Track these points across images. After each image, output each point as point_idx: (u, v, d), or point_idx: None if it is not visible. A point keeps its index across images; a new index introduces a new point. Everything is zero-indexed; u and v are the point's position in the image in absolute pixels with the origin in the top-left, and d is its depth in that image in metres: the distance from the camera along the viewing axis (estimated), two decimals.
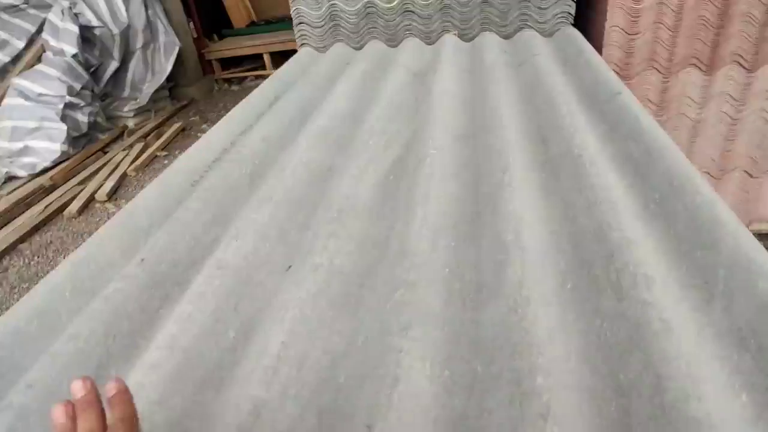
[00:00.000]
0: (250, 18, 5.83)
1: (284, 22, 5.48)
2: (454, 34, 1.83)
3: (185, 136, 4.13)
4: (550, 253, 0.76)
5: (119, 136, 4.01)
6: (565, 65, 1.45)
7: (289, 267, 0.81)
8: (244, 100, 1.51)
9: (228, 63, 5.27)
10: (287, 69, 1.72)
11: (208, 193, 1.00)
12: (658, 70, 1.76)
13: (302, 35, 1.93)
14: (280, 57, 5.16)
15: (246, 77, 5.16)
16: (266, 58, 4.94)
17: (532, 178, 0.93)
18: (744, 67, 1.73)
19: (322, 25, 1.90)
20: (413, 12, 1.83)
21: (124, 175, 3.45)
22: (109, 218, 3.00)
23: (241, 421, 0.56)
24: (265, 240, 0.86)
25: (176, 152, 3.83)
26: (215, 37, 5.36)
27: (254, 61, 5.23)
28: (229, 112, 1.46)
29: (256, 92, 1.56)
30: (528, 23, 1.77)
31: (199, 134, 4.07)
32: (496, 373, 0.58)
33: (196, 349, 0.66)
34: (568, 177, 0.91)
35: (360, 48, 1.90)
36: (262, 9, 5.89)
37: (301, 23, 1.90)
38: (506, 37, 1.81)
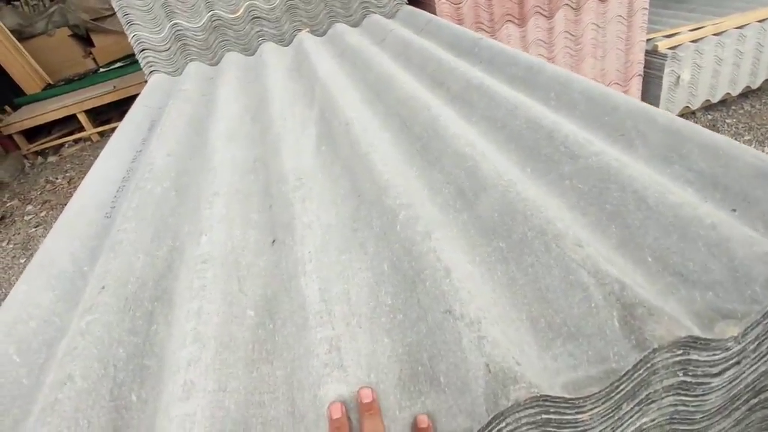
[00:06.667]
0: (44, 81, 5.13)
1: (91, 77, 4.96)
2: (307, 31, 1.89)
3: (6, 225, 3.47)
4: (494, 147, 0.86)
5: None
6: (421, 32, 1.61)
7: (274, 241, 0.78)
8: (116, 133, 1.37)
9: (34, 133, 4.56)
10: (150, 96, 1.60)
11: (137, 213, 0.90)
12: (485, 30, 2.06)
13: (149, 62, 1.80)
14: (97, 115, 4.66)
15: (62, 144, 4.52)
16: (82, 117, 4.40)
17: (452, 110, 1.04)
18: (545, 16, 2.12)
19: (169, 48, 1.80)
20: (261, 18, 1.85)
21: None
22: None
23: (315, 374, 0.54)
24: (233, 227, 0.81)
25: (2, 244, 3.20)
26: (8, 109, 4.59)
27: (66, 124, 4.62)
28: (104, 148, 1.31)
29: (126, 123, 1.42)
30: (370, 9, 1.92)
31: (26, 217, 3.47)
32: None
33: (225, 334, 0.61)
34: (481, 102, 1.03)
35: (217, 63, 1.85)
36: (57, 69, 5.24)
37: (144, 50, 1.77)
38: (354, 25, 1.93)
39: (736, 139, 2.58)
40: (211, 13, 1.79)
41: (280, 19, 1.87)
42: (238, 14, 1.83)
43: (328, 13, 1.91)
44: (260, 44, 1.87)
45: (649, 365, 0.47)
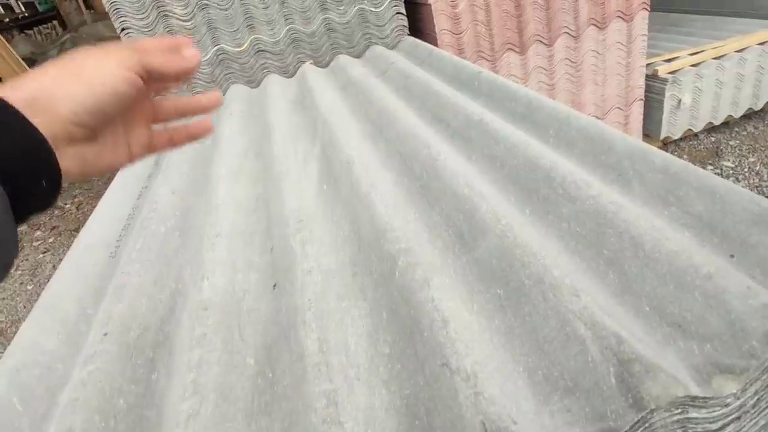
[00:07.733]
0: None
1: None
2: (311, 63, 1.93)
3: None
4: (500, 195, 0.87)
5: None
6: (422, 64, 1.64)
7: (275, 285, 0.79)
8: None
9: None
10: None
11: (140, 255, 0.91)
12: (486, 59, 2.09)
13: None
14: None
15: None
16: None
17: (452, 147, 1.05)
18: (544, 44, 2.15)
19: None
20: (266, 51, 1.89)
21: None
22: None
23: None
24: (236, 271, 0.82)
25: (10, 270, 3.23)
26: None
27: None
28: (111, 183, 1.33)
29: None
30: (372, 41, 1.96)
31: (34, 243, 3.50)
32: None
33: (225, 385, 0.61)
34: (480, 139, 1.05)
35: (222, 95, 1.89)
36: None
37: None
38: (357, 56, 1.97)
39: (740, 161, 2.58)
40: (216, 48, 1.83)
41: (284, 51, 1.91)
42: (243, 48, 1.87)
43: (332, 44, 1.96)
44: (264, 76, 1.91)
45: (646, 425, 0.47)
